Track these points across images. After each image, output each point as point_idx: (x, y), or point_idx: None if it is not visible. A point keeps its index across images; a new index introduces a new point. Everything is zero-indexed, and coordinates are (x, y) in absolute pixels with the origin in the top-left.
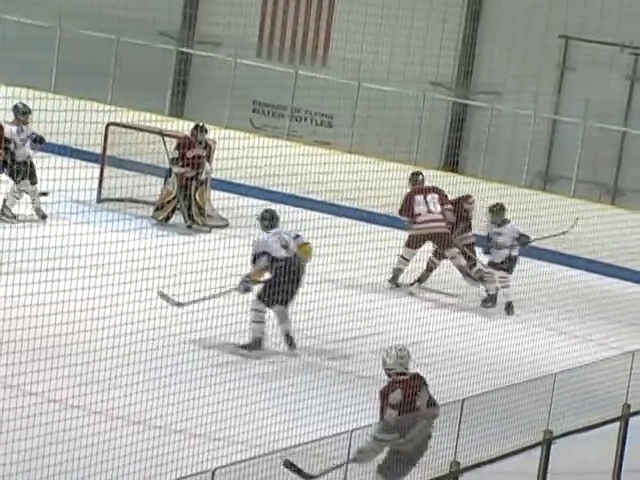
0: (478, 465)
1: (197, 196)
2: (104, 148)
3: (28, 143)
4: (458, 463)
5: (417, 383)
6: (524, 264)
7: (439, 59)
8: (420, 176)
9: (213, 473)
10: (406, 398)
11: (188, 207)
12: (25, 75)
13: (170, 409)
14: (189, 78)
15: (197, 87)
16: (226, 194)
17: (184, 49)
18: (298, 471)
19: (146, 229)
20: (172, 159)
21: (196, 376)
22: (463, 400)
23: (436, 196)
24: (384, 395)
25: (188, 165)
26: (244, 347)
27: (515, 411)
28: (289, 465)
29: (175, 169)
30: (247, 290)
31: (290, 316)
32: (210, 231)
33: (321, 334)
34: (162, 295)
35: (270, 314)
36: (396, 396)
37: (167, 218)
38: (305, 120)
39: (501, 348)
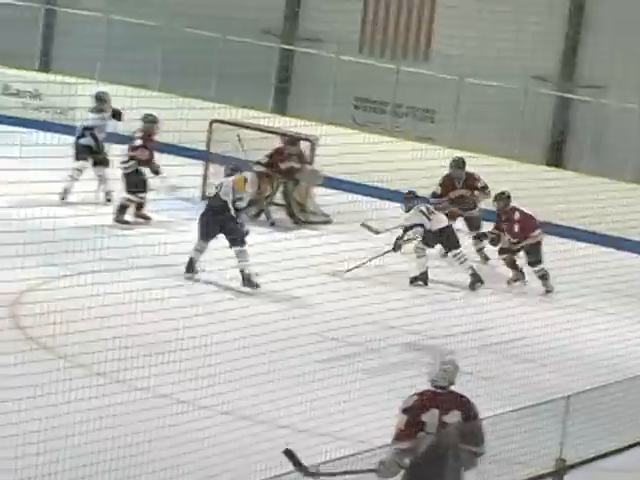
0: (585, 462)
1: (297, 194)
2: (208, 145)
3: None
4: (564, 460)
5: (450, 403)
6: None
7: (542, 53)
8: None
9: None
10: (423, 411)
11: (288, 205)
12: (132, 74)
13: (276, 404)
14: (292, 75)
15: (300, 84)
16: (329, 190)
17: (287, 46)
18: (298, 464)
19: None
20: (258, 162)
21: (302, 372)
22: (569, 396)
23: None
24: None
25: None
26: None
27: (624, 407)
28: (289, 455)
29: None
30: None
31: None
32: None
33: (424, 329)
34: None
35: None
36: (409, 401)
37: (257, 214)
38: (407, 116)
39: (598, 340)
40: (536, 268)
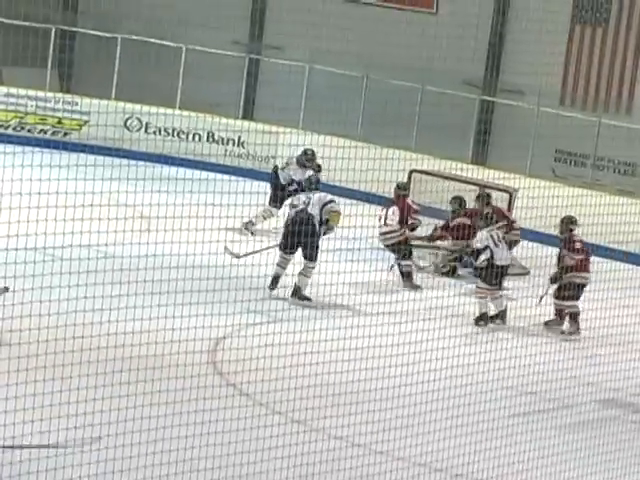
0: None
1: None
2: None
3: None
4: None
5: None
6: None
7: None
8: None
9: None
10: None
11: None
12: (333, 123)
13: (467, 458)
14: (492, 126)
15: (500, 135)
16: (528, 243)
17: (488, 97)
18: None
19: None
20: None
21: (496, 425)
22: None
23: None
24: None
25: (452, 231)
26: None
27: None
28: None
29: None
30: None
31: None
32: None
33: (625, 386)
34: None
35: None
36: None
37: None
38: (608, 169)
39: None
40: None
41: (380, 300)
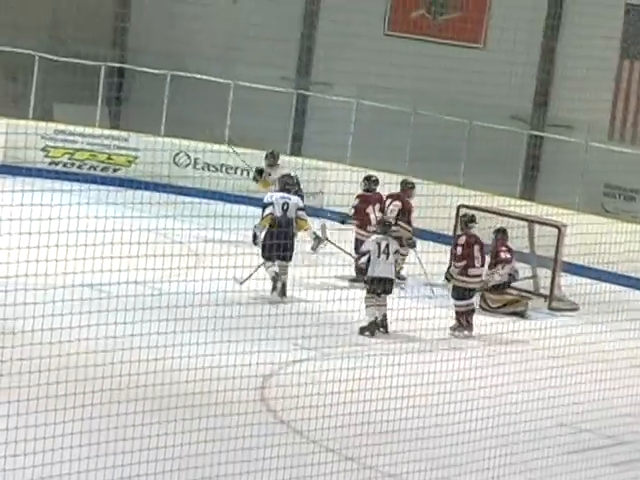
0: None
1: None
2: (454, 230)
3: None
4: None
5: None
6: None
7: None
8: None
9: None
10: None
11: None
12: (380, 159)
13: None
14: (540, 161)
15: (548, 170)
16: (578, 278)
17: (536, 132)
18: None
19: None
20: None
21: (551, 463)
22: None
23: None
24: None
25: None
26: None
27: None
28: None
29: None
30: None
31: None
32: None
33: None
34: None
35: None
36: None
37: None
38: None
39: None
40: None
41: (427, 337)
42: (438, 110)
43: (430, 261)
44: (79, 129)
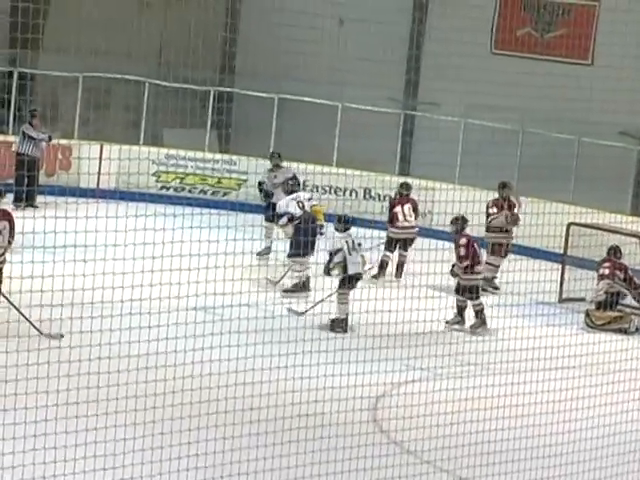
0: None
1: None
2: (565, 249)
3: None
4: None
5: None
6: None
7: None
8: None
9: None
10: None
11: None
12: (489, 178)
13: None
14: None
15: None
16: None
17: None
18: None
19: None
20: None
21: None
22: None
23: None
24: None
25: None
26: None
27: None
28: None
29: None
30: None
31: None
32: None
33: None
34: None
35: None
36: None
37: None
38: None
39: None
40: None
41: (540, 356)
42: (546, 127)
43: (542, 279)
44: (189, 153)
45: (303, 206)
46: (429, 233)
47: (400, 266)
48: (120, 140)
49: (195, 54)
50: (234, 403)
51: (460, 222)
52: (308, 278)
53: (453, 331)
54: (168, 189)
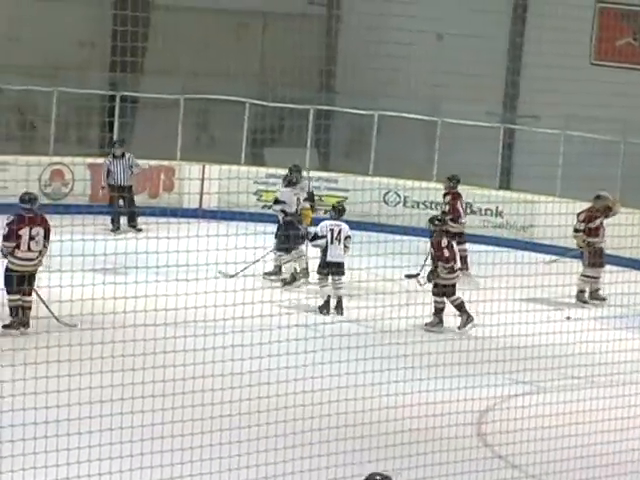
0: None
1: None
2: None
3: None
4: None
5: None
6: None
7: None
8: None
9: None
10: None
11: None
12: (590, 190)
13: None
14: None
15: None
16: None
17: None
18: None
19: None
20: None
21: None
22: None
23: None
24: None
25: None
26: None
27: None
28: None
29: None
30: None
31: None
32: None
33: None
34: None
35: None
36: None
37: None
38: None
39: None
40: None
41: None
42: None
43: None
44: None
45: (299, 204)
46: (528, 246)
47: (466, 259)
48: (221, 160)
49: (294, 73)
50: (345, 418)
51: (440, 223)
52: (296, 269)
53: (555, 345)
54: (269, 208)
